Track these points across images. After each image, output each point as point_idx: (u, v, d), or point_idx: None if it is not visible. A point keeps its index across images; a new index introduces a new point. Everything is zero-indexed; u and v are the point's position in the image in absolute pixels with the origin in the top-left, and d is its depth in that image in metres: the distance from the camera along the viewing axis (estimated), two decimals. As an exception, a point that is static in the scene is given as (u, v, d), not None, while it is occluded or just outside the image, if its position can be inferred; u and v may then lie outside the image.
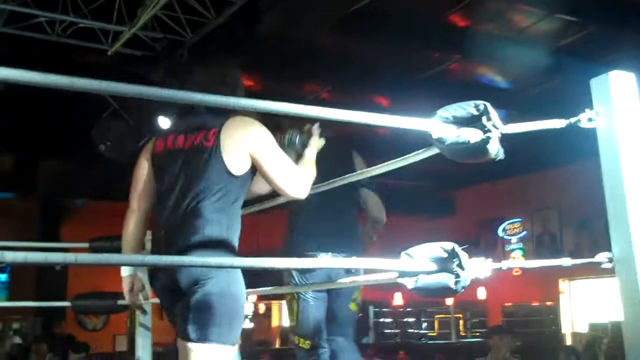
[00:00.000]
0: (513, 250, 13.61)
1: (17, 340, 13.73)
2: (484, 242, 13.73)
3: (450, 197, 14.96)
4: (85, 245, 5.03)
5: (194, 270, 2.48)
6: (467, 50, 7.61)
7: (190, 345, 2.48)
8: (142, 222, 2.84)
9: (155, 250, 2.77)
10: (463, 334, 16.19)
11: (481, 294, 13.85)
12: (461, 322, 16.43)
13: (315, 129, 3.05)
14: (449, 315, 16.44)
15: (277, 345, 16.43)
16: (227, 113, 2.69)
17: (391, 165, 2.48)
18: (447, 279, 2.06)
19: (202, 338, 2.46)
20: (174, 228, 2.60)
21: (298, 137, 3.03)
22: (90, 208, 11.64)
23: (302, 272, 3.87)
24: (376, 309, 17.22)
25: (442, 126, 2.05)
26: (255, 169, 2.67)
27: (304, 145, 2.98)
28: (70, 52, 7.10)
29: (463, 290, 2.07)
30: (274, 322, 17.13)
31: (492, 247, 13.59)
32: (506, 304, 14.22)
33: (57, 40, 6.51)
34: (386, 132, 10.95)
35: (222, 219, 2.59)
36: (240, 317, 2.56)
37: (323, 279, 3.89)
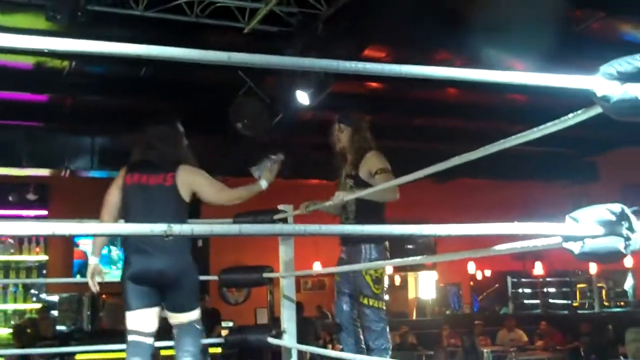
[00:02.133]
0: (662, 216, 12.93)
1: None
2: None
3: (593, 161, 14.39)
4: (229, 220, 5.13)
5: (177, 270, 3.94)
6: (611, 7, 7.23)
7: (185, 313, 4.05)
8: None
9: (140, 253, 3.93)
10: (606, 304, 15.64)
11: (628, 261, 13.29)
12: (604, 291, 15.87)
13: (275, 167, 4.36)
14: (591, 285, 15.93)
15: (414, 317, 16.42)
16: (176, 163, 4.10)
17: (549, 128, 2.37)
18: (616, 243, 1.97)
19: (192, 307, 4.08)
20: (155, 240, 3.81)
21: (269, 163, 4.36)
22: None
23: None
24: (514, 280, 16.89)
25: (606, 83, 1.94)
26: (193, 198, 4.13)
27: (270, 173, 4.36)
28: (205, 34, 7.28)
29: (632, 253, 1.98)
30: (410, 295, 17.08)
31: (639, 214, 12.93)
32: (656, 272, 13.63)
33: (196, 21, 6.68)
34: (520, 99, 10.65)
35: None
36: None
37: None
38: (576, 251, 2.01)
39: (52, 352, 8.36)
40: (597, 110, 2.04)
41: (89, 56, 8.21)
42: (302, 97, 7.10)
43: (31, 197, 12.59)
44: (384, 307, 4.62)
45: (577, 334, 12.50)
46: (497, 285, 16.77)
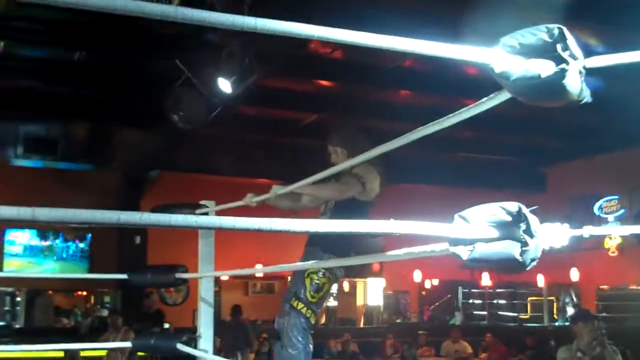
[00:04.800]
0: (610, 229, 12.92)
1: (104, 313, 13.93)
2: (578, 220, 13.01)
3: (541, 172, 14.29)
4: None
5: None
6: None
7: None
8: None
9: None
10: (556, 318, 15.57)
11: (574, 275, 13.16)
12: (555, 305, 15.79)
13: None
14: (542, 298, 15.82)
15: (362, 325, 16.17)
16: None
17: (462, 114, 2.03)
18: (511, 248, 1.65)
19: None
20: None
21: None
22: (171, 179, 11.58)
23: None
24: (465, 290, 16.75)
25: (507, 57, 1.61)
26: None
27: None
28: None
29: (533, 263, 1.64)
30: (359, 301, 16.84)
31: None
32: (601, 287, 13.51)
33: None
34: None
35: None
36: None
37: None
38: (464, 257, 1.68)
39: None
40: (507, 95, 1.71)
41: (19, 38, 7.84)
42: (224, 85, 6.79)
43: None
44: (312, 320, 4.22)
45: (522, 347, 12.37)
46: (449, 295, 16.62)
